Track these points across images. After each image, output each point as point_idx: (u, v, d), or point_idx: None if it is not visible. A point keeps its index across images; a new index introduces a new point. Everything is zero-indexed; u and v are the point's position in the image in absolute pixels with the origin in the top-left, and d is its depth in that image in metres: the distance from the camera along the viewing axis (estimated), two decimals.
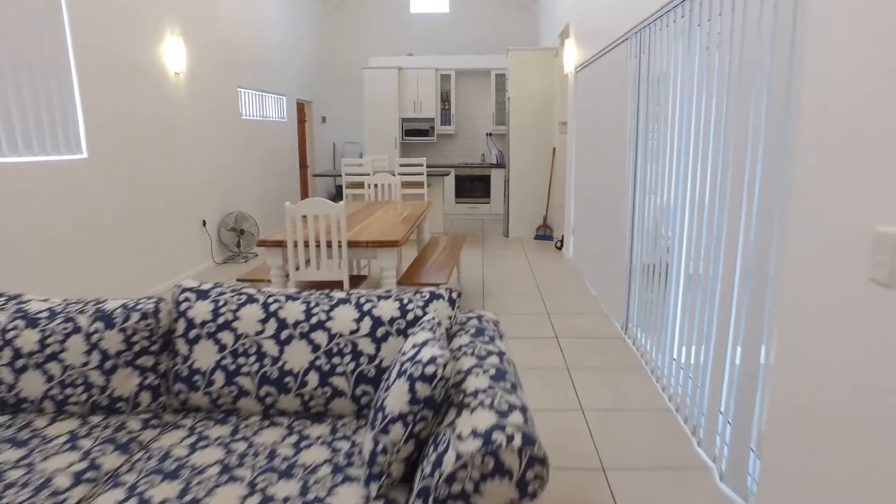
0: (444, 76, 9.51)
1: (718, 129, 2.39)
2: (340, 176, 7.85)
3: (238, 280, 3.87)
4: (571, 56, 6.08)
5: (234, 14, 6.75)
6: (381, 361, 1.84)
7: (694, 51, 2.71)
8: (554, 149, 7.45)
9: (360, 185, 7.27)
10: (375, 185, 5.68)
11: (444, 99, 9.61)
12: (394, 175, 6.88)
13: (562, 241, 6.78)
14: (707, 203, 2.51)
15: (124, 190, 4.73)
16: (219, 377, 1.88)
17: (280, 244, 3.44)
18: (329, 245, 3.41)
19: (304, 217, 3.65)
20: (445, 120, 9.65)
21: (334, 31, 10.33)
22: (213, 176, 6.25)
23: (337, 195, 9.88)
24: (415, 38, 10.06)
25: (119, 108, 4.65)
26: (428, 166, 9.25)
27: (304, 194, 9.64)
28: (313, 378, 1.85)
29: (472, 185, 9.38)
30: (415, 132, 9.56)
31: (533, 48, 7.38)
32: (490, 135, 9.84)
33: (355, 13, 10.22)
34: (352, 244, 3.41)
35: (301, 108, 9.54)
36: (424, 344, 1.53)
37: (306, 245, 3.41)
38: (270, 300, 1.94)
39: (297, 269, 3.46)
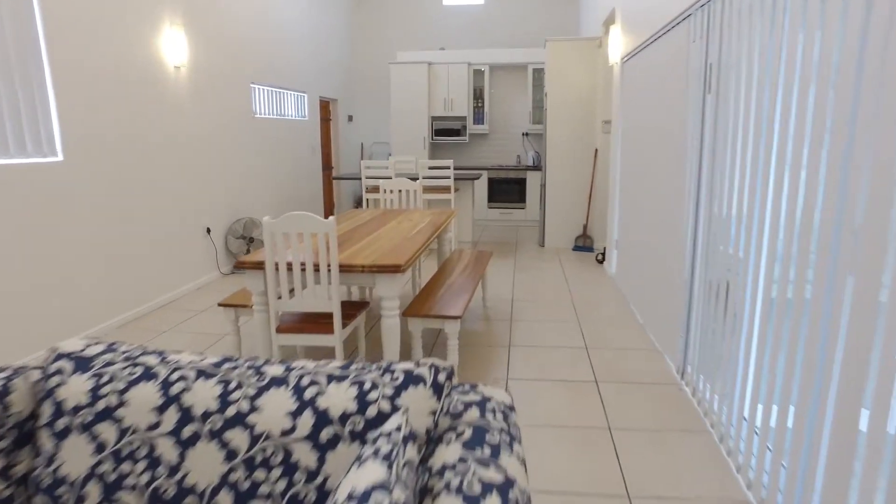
0: (477, 71, 8.85)
1: (841, 125, 1.67)
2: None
3: (219, 304, 3.31)
4: (617, 45, 5.34)
5: (246, 4, 6.25)
6: (324, 480, 1.22)
7: (795, 25, 1.98)
8: (596, 150, 6.70)
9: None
10: (392, 191, 5.06)
11: (478, 96, 8.95)
12: (416, 179, 6.27)
13: (603, 254, 6.04)
14: (812, 212, 1.79)
15: (110, 196, 4.25)
16: (93, 490, 1.28)
17: (261, 266, 2.86)
18: (317, 269, 2.80)
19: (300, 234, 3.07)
20: (478, 119, 8.99)
21: (362, 24, 9.80)
22: (219, 179, 5.76)
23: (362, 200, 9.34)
24: (447, 32, 9.44)
25: (104, 104, 4.17)
26: (458, 168, 8.62)
27: (329, 199, 9.13)
28: (225, 500, 1.23)
29: (507, 189, 8.70)
30: (445, 132, 8.93)
31: (574, 38, 6.66)
32: (526, 134, 9.14)
33: (385, 5, 9.66)
34: (344, 268, 2.80)
35: (325, 107, 9.04)
36: (367, 497, 0.89)
37: (291, 269, 2.82)
38: (174, 377, 1.34)
39: (280, 297, 2.87)
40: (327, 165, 9.20)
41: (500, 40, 9.20)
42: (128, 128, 4.42)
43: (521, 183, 8.63)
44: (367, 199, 6.52)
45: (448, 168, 6.28)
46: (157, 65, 4.78)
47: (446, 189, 6.54)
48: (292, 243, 2.82)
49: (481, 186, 8.73)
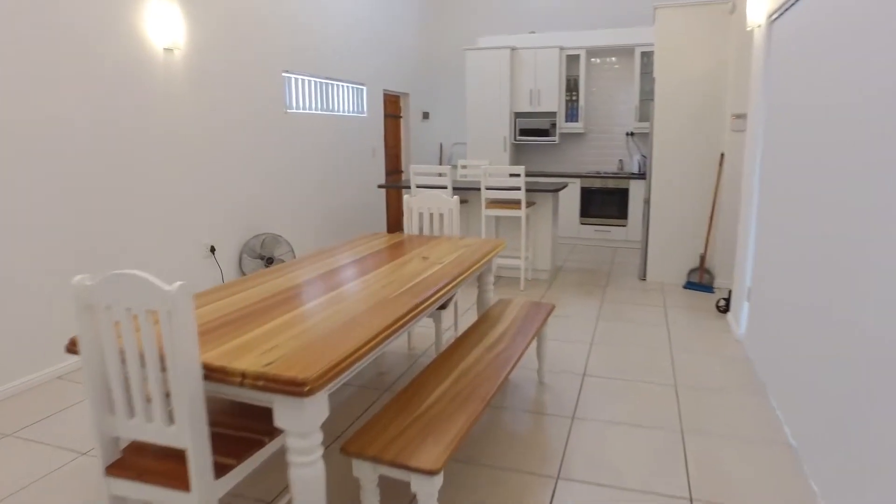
0: (570, 57, 7.27)
1: None
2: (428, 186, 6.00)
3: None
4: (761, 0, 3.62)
5: None
6: None
7: None
8: (722, 154, 4.94)
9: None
10: (424, 212, 3.69)
11: (571, 87, 7.37)
12: (450, 193, 4.92)
13: (727, 301, 4.30)
14: None
15: (64, 205, 3.28)
16: None
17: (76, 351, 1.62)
18: (165, 368, 1.53)
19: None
20: (571, 115, 7.41)
21: (439, 6, 8.54)
22: (231, 187, 4.72)
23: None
24: (538, 13, 7.92)
25: (45, 94, 3.20)
26: (545, 175, 7.11)
27: (396, 210, 7.96)
28: None
29: (604, 202, 7.05)
30: (530, 131, 7.44)
31: (694, 2, 4.95)
32: (631, 134, 7.41)
33: None
34: (214, 375, 1.50)
35: (394, 102, 7.89)
36: None
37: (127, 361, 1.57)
38: None
39: (115, 412, 1.62)
40: (395, 170, 8.04)
41: (601, 18, 7.54)
42: (96, 125, 3.44)
43: (623, 194, 6.94)
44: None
45: (518, 176, 4.84)
46: (136, 46, 3.78)
47: (514, 204, 5.09)
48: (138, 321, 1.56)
49: (572, 197, 7.15)
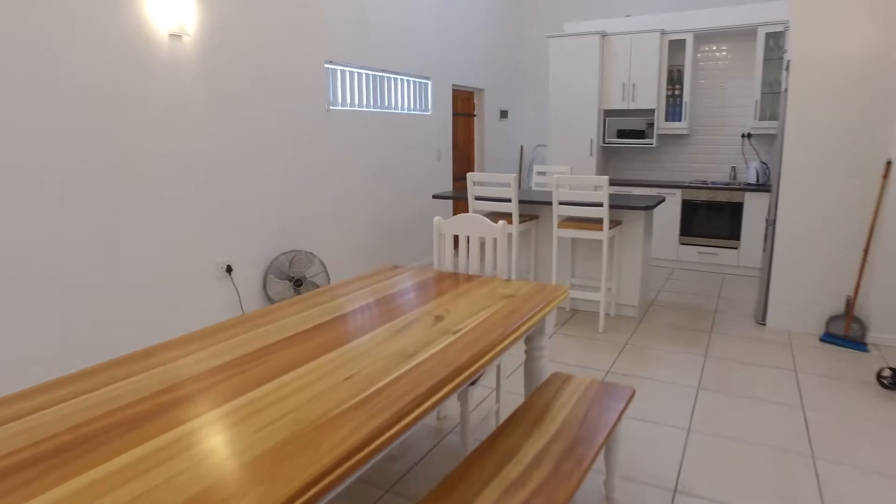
0: (674, 43, 6.06)
1: None
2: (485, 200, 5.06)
3: None
4: None
5: None
6: None
7: None
8: (888, 163, 3.65)
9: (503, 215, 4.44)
10: (471, 238, 2.77)
11: (674, 79, 6.16)
12: (516, 208, 3.99)
13: (894, 372, 3.05)
14: None
15: (47, 219, 2.69)
16: None
17: None
18: None
19: None
20: (674, 113, 6.19)
21: None
22: (256, 196, 4.04)
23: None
24: None
25: (32, 88, 2.61)
26: (640, 184, 5.98)
27: None
28: None
29: (710, 218, 5.79)
30: (623, 132, 6.31)
31: None
32: (749, 136, 6.08)
33: None
34: None
35: (466, 99, 7.02)
36: None
37: None
38: None
39: None
40: (465, 175, 7.17)
41: None
42: (80, 125, 2.83)
43: (735, 210, 5.66)
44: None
45: (601, 188, 3.81)
46: (133, 30, 3.15)
47: (596, 224, 4.05)
48: None
49: (671, 212, 5.95)
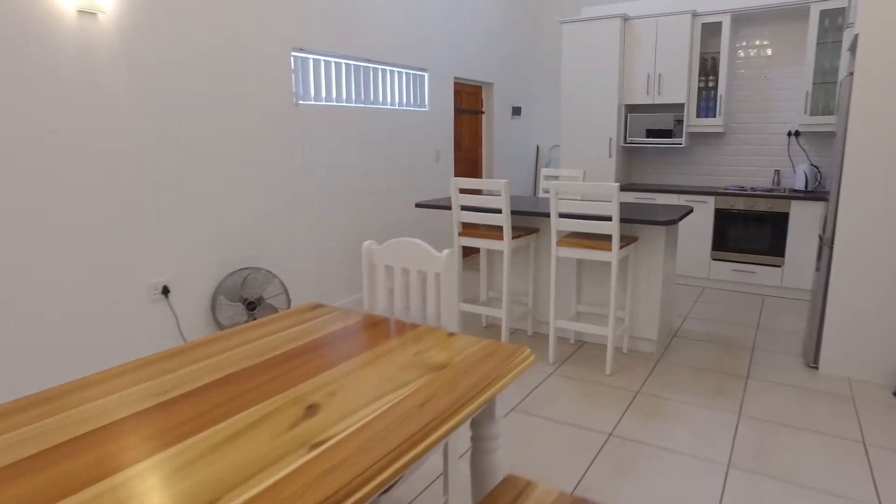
0: (707, 26, 5.24)
1: None
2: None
3: None
4: None
5: None
6: None
7: None
8: None
9: (477, 229, 3.72)
10: (396, 271, 2.07)
11: (707, 69, 5.34)
12: (507, 220, 3.32)
13: None
14: None
15: None
16: None
17: None
18: None
19: None
20: (706, 108, 5.37)
21: None
22: (201, 206, 3.42)
23: None
24: None
25: None
26: (666, 190, 5.20)
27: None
28: None
29: (748, 229, 4.96)
30: (647, 131, 5.51)
31: None
32: (796, 134, 5.21)
33: None
34: None
35: (473, 94, 6.31)
36: None
37: None
38: None
39: None
40: (475, 176, 6.46)
41: None
42: None
43: (779, 221, 4.81)
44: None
45: (612, 199, 3.05)
46: (27, 6, 2.56)
47: (604, 241, 3.30)
48: None
49: (703, 222, 5.13)
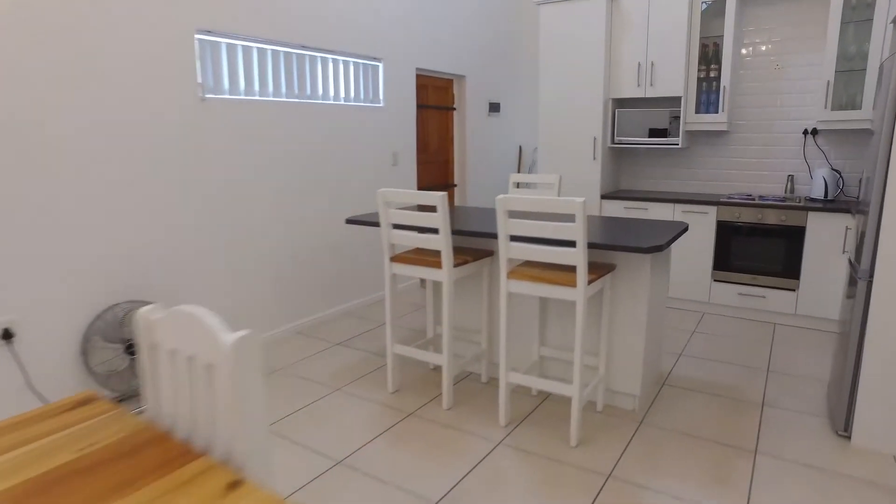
0: (710, 7, 4.46)
1: None
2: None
3: None
4: None
5: None
6: None
7: None
8: None
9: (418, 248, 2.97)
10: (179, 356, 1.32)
11: (708, 57, 4.56)
12: (447, 243, 2.54)
13: None
14: None
15: None
16: None
17: None
18: None
19: None
20: (708, 102, 4.59)
21: None
22: (66, 222, 2.67)
23: None
24: None
25: None
26: (659, 199, 4.44)
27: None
28: None
29: (756, 245, 4.18)
30: (639, 129, 4.74)
31: None
32: (814, 132, 4.42)
33: None
34: None
35: (442, 88, 5.56)
36: None
37: None
38: None
39: None
40: (441, 183, 5.71)
41: None
42: None
43: (793, 235, 4.03)
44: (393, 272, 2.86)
45: (576, 217, 2.29)
46: None
47: (568, 274, 2.54)
48: None
49: (702, 236, 4.35)
